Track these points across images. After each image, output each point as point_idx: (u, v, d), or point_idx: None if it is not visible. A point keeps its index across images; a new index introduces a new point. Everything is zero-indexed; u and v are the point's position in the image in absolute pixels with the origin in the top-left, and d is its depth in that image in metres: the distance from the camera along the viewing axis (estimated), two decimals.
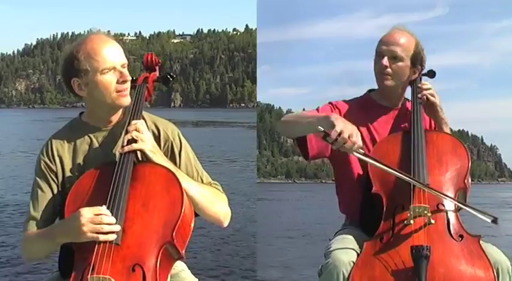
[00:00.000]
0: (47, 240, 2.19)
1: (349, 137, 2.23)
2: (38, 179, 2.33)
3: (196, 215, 2.28)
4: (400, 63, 2.62)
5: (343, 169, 2.70)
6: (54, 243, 2.19)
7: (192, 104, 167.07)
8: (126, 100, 2.30)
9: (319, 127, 2.26)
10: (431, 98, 2.64)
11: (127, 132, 2.22)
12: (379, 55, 2.63)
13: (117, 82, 2.26)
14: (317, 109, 2.69)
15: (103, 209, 2.06)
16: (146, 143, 2.21)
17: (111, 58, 2.25)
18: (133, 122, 2.25)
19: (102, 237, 2.03)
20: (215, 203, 2.31)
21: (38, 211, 2.28)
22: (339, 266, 2.30)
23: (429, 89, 2.65)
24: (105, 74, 2.25)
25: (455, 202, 2.39)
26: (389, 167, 2.35)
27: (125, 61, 2.29)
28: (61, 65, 2.33)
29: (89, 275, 1.99)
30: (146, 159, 2.24)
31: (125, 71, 2.28)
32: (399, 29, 2.68)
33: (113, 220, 2.05)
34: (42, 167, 2.33)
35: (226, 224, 2.37)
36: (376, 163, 2.34)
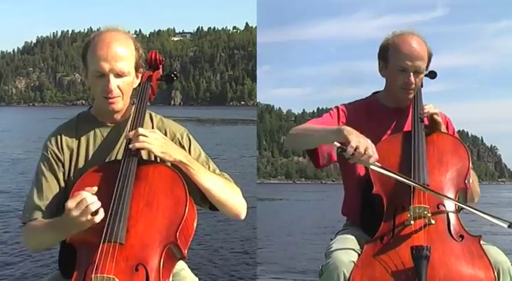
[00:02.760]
0: (57, 232, 2.15)
1: (365, 150, 2.27)
2: (43, 167, 2.31)
3: (214, 209, 2.28)
4: (421, 75, 2.62)
5: (347, 170, 2.71)
6: (65, 235, 2.15)
7: (192, 102, 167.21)
8: (113, 107, 2.27)
9: (335, 143, 2.31)
10: (437, 117, 2.60)
11: (130, 139, 2.19)
12: (402, 70, 2.58)
13: (104, 89, 2.23)
14: (328, 114, 2.70)
15: (82, 193, 2.01)
16: (155, 145, 2.17)
17: (104, 64, 2.21)
18: (134, 131, 2.20)
19: (97, 218, 2.00)
20: (231, 195, 2.28)
21: (42, 200, 2.27)
22: (340, 266, 2.30)
23: (433, 110, 2.60)
24: (96, 77, 2.24)
25: (472, 209, 2.36)
26: (408, 179, 2.35)
27: (121, 68, 2.22)
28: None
29: (93, 274, 1.98)
30: (155, 159, 2.23)
31: (117, 79, 2.22)
32: (415, 36, 2.61)
33: (90, 196, 2.00)
34: (49, 155, 2.31)
35: (243, 216, 2.33)
36: (394, 175, 2.34)
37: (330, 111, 2.73)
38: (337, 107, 2.73)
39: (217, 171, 2.37)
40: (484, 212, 2.31)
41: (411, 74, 2.58)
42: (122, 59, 2.23)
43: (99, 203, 2.02)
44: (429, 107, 2.62)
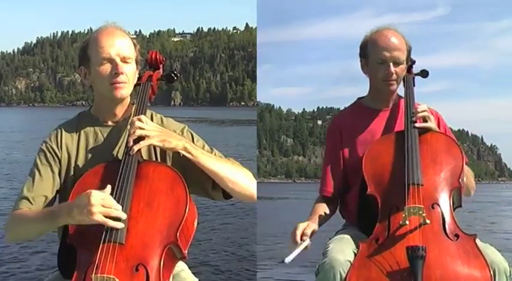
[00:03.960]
0: (46, 220, 2.14)
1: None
2: (39, 162, 2.31)
3: (228, 197, 2.28)
4: (402, 66, 2.65)
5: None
6: (53, 224, 2.14)
7: (192, 103, 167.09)
8: (121, 93, 2.29)
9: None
10: (426, 124, 2.60)
11: (130, 133, 2.21)
12: (381, 62, 2.63)
13: (112, 74, 2.26)
14: (329, 153, 2.77)
15: (110, 195, 2.05)
16: (152, 137, 2.19)
17: (110, 49, 2.26)
18: (134, 118, 2.22)
19: (111, 222, 2.02)
20: (242, 176, 2.26)
21: (31, 192, 2.26)
22: (336, 265, 2.31)
23: (424, 111, 2.61)
24: (103, 64, 2.26)
25: None
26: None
27: (127, 54, 2.28)
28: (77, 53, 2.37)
29: (93, 275, 1.98)
30: (161, 151, 2.25)
31: (123, 64, 2.27)
32: (391, 30, 2.68)
33: (120, 206, 2.04)
34: (47, 151, 2.32)
35: (256, 197, 2.31)
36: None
37: (328, 145, 2.78)
38: (328, 133, 2.79)
39: (223, 156, 2.36)
40: None
41: (391, 64, 2.62)
42: (126, 46, 2.30)
43: (121, 215, 2.04)
44: (422, 108, 2.62)
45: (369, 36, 2.70)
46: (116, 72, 2.26)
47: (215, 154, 2.34)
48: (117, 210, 2.03)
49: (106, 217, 2.01)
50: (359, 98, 2.83)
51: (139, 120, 2.21)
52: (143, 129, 2.19)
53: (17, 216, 2.23)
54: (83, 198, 2.03)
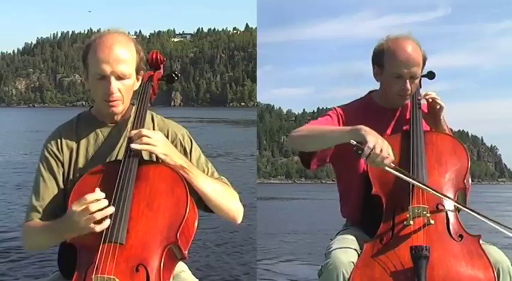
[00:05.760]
0: (54, 234, 2.16)
1: (381, 151, 2.27)
2: (41, 167, 2.31)
3: (210, 211, 2.29)
4: (416, 81, 2.62)
5: (344, 173, 2.73)
6: (62, 238, 2.16)
7: (192, 103, 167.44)
8: (113, 110, 2.27)
9: (352, 141, 2.29)
10: (439, 102, 2.64)
11: (131, 139, 2.19)
12: (398, 77, 2.57)
13: (105, 92, 2.23)
14: (325, 115, 2.68)
15: (89, 196, 2.01)
16: (158, 147, 2.18)
17: (105, 66, 2.20)
18: (137, 131, 2.20)
19: (98, 228, 2.01)
20: (228, 200, 2.30)
21: (39, 201, 2.27)
22: (339, 266, 2.30)
23: (435, 98, 2.64)
24: (98, 79, 2.23)
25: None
26: (424, 185, 2.36)
27: (122, 71, 2.22)
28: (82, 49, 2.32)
29: (93, 275, 1.98)
30: (157, 160, 2.23)
31: (118, 82, 2.22)
32: (410, 40, 2.59)
33: (102, 203, 2.01)
34: (49, 156, 2.31)
35: (239, 220, 2.35)
36: (409, 179, 2.34)
37: (328, 113, 2.72)
38: (335, 109, 2.72)
39: (216, 174, 2.38)
40: (489, 219, 2.30)
41: (407, 81, 2.57)
42: (123, 61, 2.23)
43: (106, 213, 2.02)
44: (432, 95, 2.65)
45: (386, 45, 2.60)
46: (108, 92, 2.22)
47: (209, 169, 2.36)
48: (100, 211, 2.01)
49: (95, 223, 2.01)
50: (370, 92, 2.78)
51: (145, 132, 2.19)
52: (150, 138, 2.17)
53: (28, 228, 2.26)
54: (68, 218, 2.03)
